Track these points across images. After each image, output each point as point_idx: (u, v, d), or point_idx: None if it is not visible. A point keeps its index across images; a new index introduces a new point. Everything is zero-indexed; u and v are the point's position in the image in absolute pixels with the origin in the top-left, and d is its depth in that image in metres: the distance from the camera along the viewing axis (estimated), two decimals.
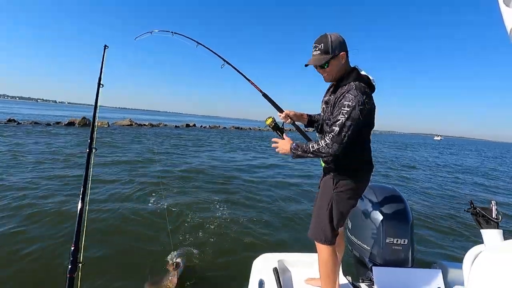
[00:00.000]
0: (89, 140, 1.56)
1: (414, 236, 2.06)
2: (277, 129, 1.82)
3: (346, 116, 1.34)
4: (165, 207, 4.77)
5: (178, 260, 2.90)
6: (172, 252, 3.20)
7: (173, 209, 4.76)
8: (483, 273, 0.85)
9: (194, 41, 2.67)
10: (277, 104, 2.04)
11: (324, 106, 1.63)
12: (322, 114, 1.69)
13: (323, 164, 1.80)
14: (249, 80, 2.26)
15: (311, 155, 1.44)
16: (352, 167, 1.56)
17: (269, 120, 1.80)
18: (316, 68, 1.54)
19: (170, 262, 2.90)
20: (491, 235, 1.39)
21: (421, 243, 4.28)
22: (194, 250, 3.43)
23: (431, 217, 5.57)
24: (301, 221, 4.78)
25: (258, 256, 2.13)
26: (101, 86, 1.80)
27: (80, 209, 1.31)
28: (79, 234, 1.23)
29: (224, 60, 2.50)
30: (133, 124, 28.40)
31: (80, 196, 1.34)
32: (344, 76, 1.50)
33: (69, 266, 1.15)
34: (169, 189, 6.03)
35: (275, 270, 1.80)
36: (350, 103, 1.34)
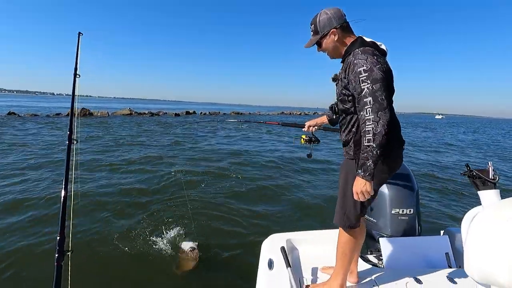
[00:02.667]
0: (68, 132, 1.56)
1: (419, 205, 2.08)
2: (311, 141, 1.99)
3: (369, 81, 1.20)
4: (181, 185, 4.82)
5: (192, 244, 3.02)
6: (184, 238, 3.35)
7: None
8: (478, 233, 0.86)
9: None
10: (296, 124, 2.27)
11: (334, 83, 1.53)
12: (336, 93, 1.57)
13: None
14: (265, 122, 2.70)
15: (375, 151, 1.18)
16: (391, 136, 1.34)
17: (302, 139, 2.02)
18: (316, 49, 1.51)
19: (186, 247, 3.00)
20: (488, 196, 1.40)
21: (429, 210, 4.36)
22: (206, 232, 3.57)
23: (438, 185, 5.63)
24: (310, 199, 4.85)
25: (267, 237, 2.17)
26: (77, 76, 1.75)
27: (64, 197, 1.33)
28: (64, 222, 1.26)
29: (241, 121, 3.04)
30: (133, 113, 28.32)
31: (63, 185, 1.36)
32: (347, 49, 1.42)
33: (56, 255, 1.18)
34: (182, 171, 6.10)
35: (283, 249, 1.84)
36: (365, 67, 1.21)
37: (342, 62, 1.48)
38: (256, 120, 2.95)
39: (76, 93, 1.73)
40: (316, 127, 1.96)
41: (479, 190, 1.45)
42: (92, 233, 3.44)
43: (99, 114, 24.61)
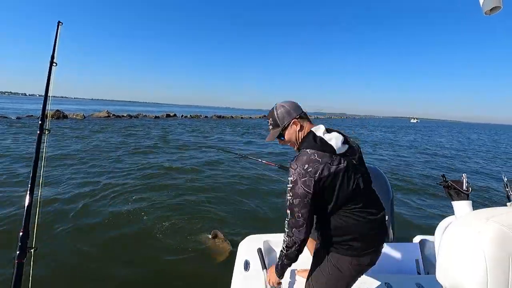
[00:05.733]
0: (40, 122, 1.50)
1: (394, 213, 2.13)
2: None
3: (291, 193, 1.18)
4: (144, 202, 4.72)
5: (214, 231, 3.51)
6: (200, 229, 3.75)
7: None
8: (450, 243, 0.91)
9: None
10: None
11: None
12: None
13: None
14: (266, 162, 2.60)
15: (286, 259, 1.32)
16: (336, 240, 1.30)
17: None
18: (278, 141, 1.44)
19: (212, 234, 3.48)
20: (461, 206, 1.47)
21: (402, 218, 4.54)
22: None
23: (413, 191, 5.87)
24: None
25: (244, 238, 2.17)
26: (54, 64, 1.72)
27: (30, 191, 1.27)
28: (29, 218, 1.20)
29: (241, 156, 2.80)
30: (111, 115, 27.44)
31: (30, 178, 1.30)
32: (302, 141, 1.34)
33: (17, 252, 1.13)
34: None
35: (259, 251, 1.85)
36: (292, 178, 1.19)
37: None
38: (255, 158, 3.01)
39: (51, 82, 1.71)
40: None
41: (453, 200, 1.50)
42: (59, 230, 3.34)
43: (74, 116, 23.68)
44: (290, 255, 1.28)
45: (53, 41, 1.79)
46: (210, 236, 3.49)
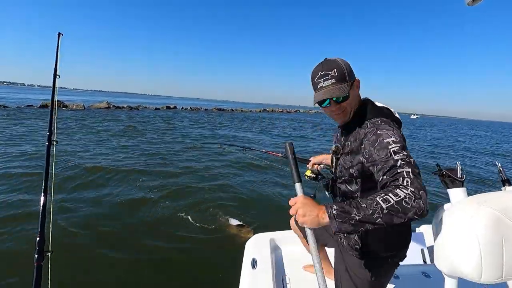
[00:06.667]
0: (48, 133, 1.55)
1: None
2: (317, 178, 1.64)
3: (405, 152, 0.90)
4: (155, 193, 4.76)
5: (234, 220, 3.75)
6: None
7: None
8: (446, 229, 0.92)
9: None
10: (300, 158, 1.87)
11: (334, 157, 1.20)
12: (332, 169, 1.27)
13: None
14: (267, 151, 2.50)
15: (379, 218, 0.80)
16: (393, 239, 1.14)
17: (306, 176, 1.67)
18: (330, 104, 1.08)
19: (233, 223, 3.69)
20: (456, 193, 1.50)
21: None
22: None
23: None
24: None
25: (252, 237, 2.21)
26: (58, 77, 1.75)
27: (44, 199, 1.35)
28: (44, 223, 1.29)
29: (244, 148, 2.71)
30: (111, 106, 27.37)
31: (43, 186, 1.37)
32: (357, 111, 1.10)
33: (36, 256, 1.22)
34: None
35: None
36: (394, 138, 0.94)
37: (344, 128, 1.17)
38: (257, 149, 3.01)
39: (56, 93, 1.73)
40: (322, 165, 1.68)
41: (448, 188, 1.53)
42: (72, 234, 3.35)
43: (74, 107, 23.60)
44: (394, 218, 0.80)
45: (55, 53, 1.80)
46: (234, 224, 3.68)
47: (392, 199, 0.80)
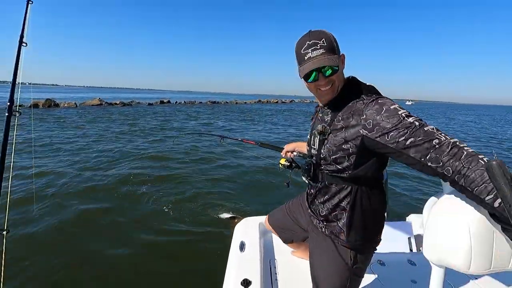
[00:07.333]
0: (8, 103, 1.48)
1: (388, 192, 2.19)
2: (291, 166, 1.64)
3: (415, 117, 0.87)
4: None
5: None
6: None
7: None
8: (436, 220, 0.93)
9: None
10: (275, 146, 1.98)
11: (319, 137, 1.09)
12: (313, 149, 1.15)
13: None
14: (243, 140, 2.42)
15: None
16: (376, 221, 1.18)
17: (281, 164, 1.68)
18: (318, 78, 1.00)
19: (225, 216, 3.76)
20: (448, 184, 1.52)
21: (395, 198, 4.67)
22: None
23: (406, 169, 6.00)
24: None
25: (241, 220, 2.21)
26: (24, 45, 1.71)
27: None
28: None
29: (221, 136, 2.61)
30: (103, 103, 27.04)
31: None
32: (343, 88, 1.05)
33: None
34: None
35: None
36: (398, 106, 0.91)
37: (330, 106, 1.09)
38: (233, 137, 2.99)
39: (21, 64, 1.68)
40: (295, 153, 1.66)
41: None
42: (34, 215, 3.33)
43: (66, 105, 23.26)
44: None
45: (22, 20, 1.75)
46: (228, 216, 3.75)
47: (479, 156, 0.75)
